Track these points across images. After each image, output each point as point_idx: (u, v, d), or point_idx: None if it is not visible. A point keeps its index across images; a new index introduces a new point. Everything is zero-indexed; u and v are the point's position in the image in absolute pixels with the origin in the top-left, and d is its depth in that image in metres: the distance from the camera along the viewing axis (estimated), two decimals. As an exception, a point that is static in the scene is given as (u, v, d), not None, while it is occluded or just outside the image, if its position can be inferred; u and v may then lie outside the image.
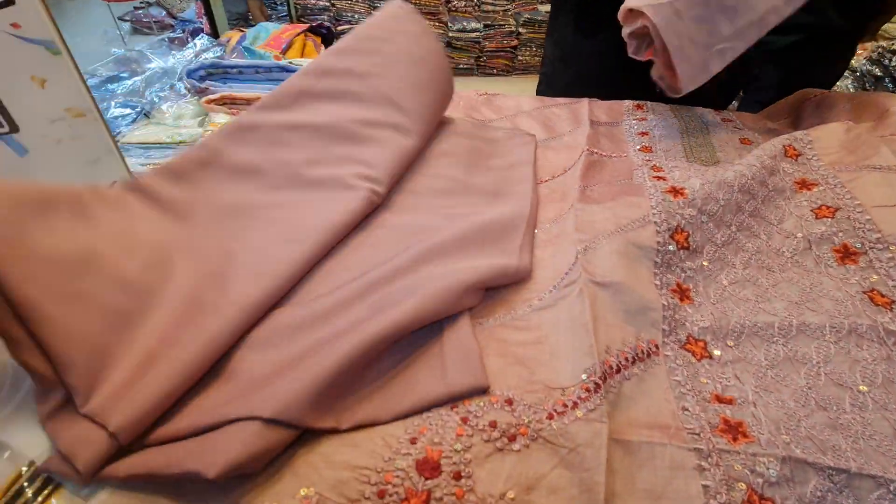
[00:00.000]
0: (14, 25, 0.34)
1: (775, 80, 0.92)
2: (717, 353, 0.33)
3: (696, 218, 0.40)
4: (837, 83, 1.36)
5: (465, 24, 3.04)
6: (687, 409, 0.29)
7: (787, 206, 0.44)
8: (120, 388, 0.26)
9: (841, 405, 0.28)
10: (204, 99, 0.74)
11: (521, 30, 3.10)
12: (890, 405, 0.28)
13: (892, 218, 0.38)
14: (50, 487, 0.24)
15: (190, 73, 0.78)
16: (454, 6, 3.00)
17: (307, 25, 1.33)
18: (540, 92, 1.03)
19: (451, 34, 3.06)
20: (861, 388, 0.29)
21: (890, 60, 1.34)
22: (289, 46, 1.25)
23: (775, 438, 0.27)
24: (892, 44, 1.39)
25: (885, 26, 1.70)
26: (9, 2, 0.34)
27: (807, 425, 0.27)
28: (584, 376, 0.28)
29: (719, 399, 0.30)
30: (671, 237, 0.38)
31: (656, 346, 0.33)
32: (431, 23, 3.01)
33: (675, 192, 0.41)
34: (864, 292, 0.35)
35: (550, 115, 0.71)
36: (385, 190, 0.44)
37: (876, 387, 0.29)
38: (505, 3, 3.02)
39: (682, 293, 0.37)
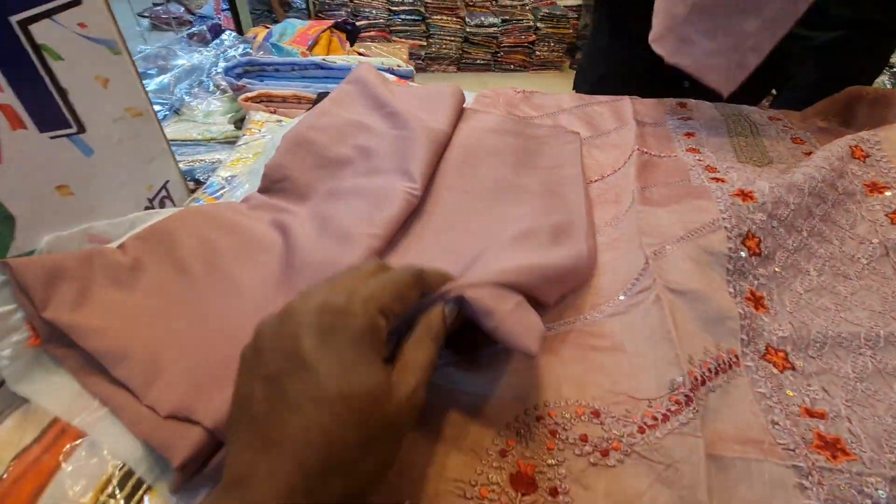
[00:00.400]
0: (81, 25, 0.34)
1: (814, 77, 0.89)
2: (799, 363, 0.32)
3: (766, 223, 0.38)
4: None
5: (482, 18, 3.02)
6: (777, 424, 0.28)
7: (858, 209, 0.42)
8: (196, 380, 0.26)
9: (942, 422, 0.27)
10: (241, 97, 0.74)
11: (539, 24, 3.08)
12: None
13: (977, 224, 0.37)
14: (143, 490, 0.23)
15: (227, 71, 0.78)
16: (472, 1, 2.98)
17: (332, 21, 1.32)
18: (577, 85, 1.02)
19: (468, 29, 3.05)
20: (962, 403, 0.28)
21: (931, 56, 1.30)
22: (315, 43, 1.25)
23: (879, 457, 0.25)
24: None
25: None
26: (76, 1, 0.34)
27: (909, 443, 0.26)
28: (671, 388, 0.27)
29: (809, 413, 0.29)
30: (742, 243, 0.37)
31: (736, 357, 0.32)
32: (449, 17, 2.99)
33: (744, 195, 0.40)
34: (951, 302, 0.34)
35: (593, 112, 0.69)
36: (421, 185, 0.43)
37: (979, 403, 0.28)
38: (523, -3, 3.00)
39: (757, 301, 0.35)
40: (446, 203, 0.46)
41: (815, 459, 0.26)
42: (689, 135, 0.64)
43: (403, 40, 3.03)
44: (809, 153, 0.59)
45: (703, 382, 0.29)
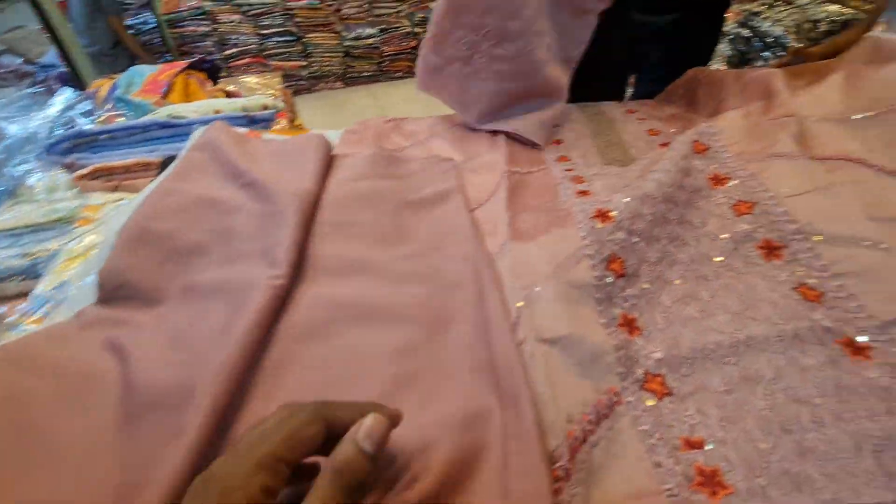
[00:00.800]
0: None
1: (661, 56, 0.96)
2: (675, 386, 0.32)
3: (626, 240, 0.39)
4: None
5: (359, 30, 2.98)
6: (660, 465, 0.28)
7: (706, 205, 0.44)
8: None
9: (803, 424, 0.28)
10: (74, 175, 0.64)
11: (417, 30, 3.09)
12: (844, 414, 0.28)
13: (806, 206, 0.40)
14: None
15: (51, 149, 0.67)
16: (345, 14, 2.91)
17: (186, 63, 1.21)
18: None
19: (346, 43, 2.99)
20: (816, 400, 0.29)
21: (756, 22, 1.46)
22: (169, 89, 1.14)
23: (752, 484, 0.26)
24: (755, 6, 1.52)
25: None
26: None
27: (777, 458, 0.27)
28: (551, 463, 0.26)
29: (689, 443, 0.29)
30: (607, 267, 0.37)
31: (616, 394, 0.31)
32: (325, 34, 2.91)
33: (602, 216, 0.40)
34: (795, 288, 0.36)
35: (463, 135, 0.68)
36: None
37: (829, 396, 0.29)
38: (397, 4, 2.99)
39: (630, 325, 0.35)
40: (322, 276, 0.42)
41: (696, 501, 0.26)
42: (557, 143, 0.65)
43: (281, 63, 2.90)
44: (665, 144, 0.62)
45: (585, 439, 0.28)
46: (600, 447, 0.28)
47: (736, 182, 0.44)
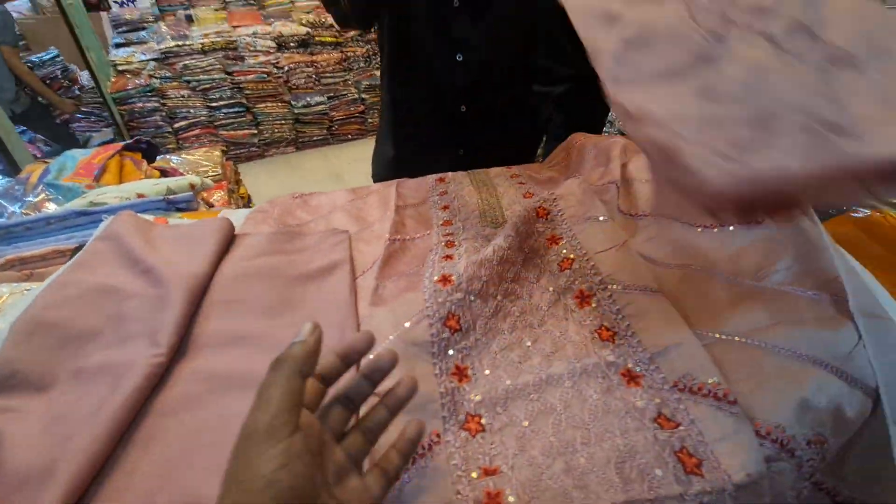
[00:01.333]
0: None
1: (562, 120, 1.09)
2: (488, 423, 0.38)
3: (463, 300, 0.46)
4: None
5: (308, 99, 3.13)
6: (460, 493, 0.33)
7: (542, 263, 0.52)
8: None
9: (576, 447, 0.35)
10: (-12, 267, 0.67)
11: (364, 96, 3.27)
12: (605, 434, 0.35)
13: (608, 260, 0.48)
14: None
15: (-35, 242, 0.71)
16: (294, 84, 3.07)
17: (120, 145, 1.27)
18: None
19: (296, 111, 3.12)
20: (589, 425, 0.36)
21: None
22: (102, 171, 1.19)
23: (519, 500, 0.32)
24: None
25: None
26: None
27: (547, 476, 0.33)
28: None
29: (486, 472, 0.34)
30: (444, 325, 0.44)
31: (438, 436, 0.37)
32: (274, 104, 3.04)
33: (445, 280, 0.47)
34: (595, 331, 0.43)
35: (363, 205, 0.76)
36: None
37: (598, 420, 0.36)
38: (343, 73, 3.17)
39: (461, 373, 0.42)
40: (203, 351, 0.47)
41: (478, 521, 0.31)
42: (445, 208, 0.73)
43: (232, 133, 3.00)
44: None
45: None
46: (412, 484, 0.34)
47: (564, 241, 0.53)
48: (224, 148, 1.79)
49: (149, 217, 0.67)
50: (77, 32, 2.30)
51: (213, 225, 0.63)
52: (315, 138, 3.28)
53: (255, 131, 3.07)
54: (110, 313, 0.50)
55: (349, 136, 3.36)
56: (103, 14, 3.02)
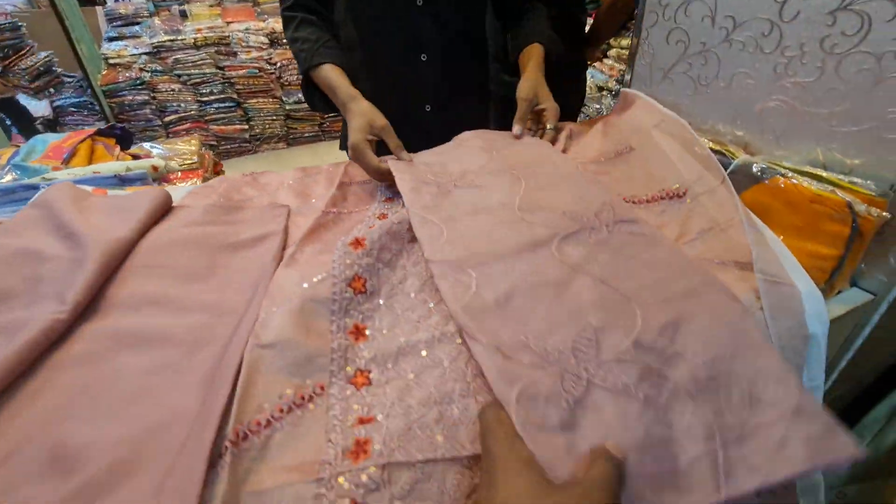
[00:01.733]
0: None
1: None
2: (376, 377, 0.38)
3: (373, 266, 0.46)
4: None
5: (299, 95, 3.13)
6: (331, 440, 0.33)
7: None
8: None
9: (451, 397, 0.34)
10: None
11: (354, 93, 3.26)
12: (483, 388, 0.35)
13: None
14: None
15: None
16: (286, 80, 3.08)
17: (94, 130, 1.27)
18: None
19: (288, 107, 3.13)
20: (468, 378, 0.36)
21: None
22: (72, 155, 1.19)
23: (385, 448, 0.31)
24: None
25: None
26: None
27: (418, 426, 0.33)
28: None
29: (361, 421, 0.34)
30: (349, 285, 0.44)
31: (322, 388, 0.37)
32: (265, 99, 3.05)
33: (357, 243, 0.47)
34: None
35: (310, 182, 0.76)
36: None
37: (479, 375, 0.36)
38: (336, 70, 3.18)
39: (359, 332, 0.42)
40: (113, 312, 0.47)
41: (339, 466, 0.31)
42: (390, 186, 0.73)
43: (223, 127, 3.01)
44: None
45: (269, 424, 0.33)
46: (284, 431, 0.33)
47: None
48: (203, 138, 1.79)
49: (88, 188, 0.68)
50: (67, 25, 2.32)
51: (150, 194, 0.63)
52: (306, 135, 3.29)
53: (246, 127, 3.08)
54: (27, 275, 0.50)
55: (340, 132, 3.37)
56: (98, 8, 3.05)
